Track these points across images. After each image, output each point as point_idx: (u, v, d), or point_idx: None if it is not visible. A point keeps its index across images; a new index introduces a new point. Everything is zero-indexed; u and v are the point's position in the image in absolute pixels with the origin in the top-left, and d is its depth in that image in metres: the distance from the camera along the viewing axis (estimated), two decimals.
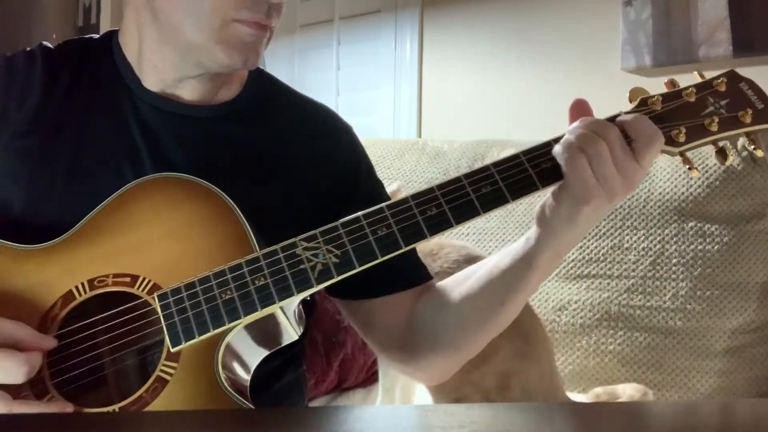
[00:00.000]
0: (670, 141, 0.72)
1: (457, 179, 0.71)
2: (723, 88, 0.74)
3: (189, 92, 0.86)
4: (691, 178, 1.35)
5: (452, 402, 1.11)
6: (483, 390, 1.12)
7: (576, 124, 0.71)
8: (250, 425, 0.54)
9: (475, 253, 1.27)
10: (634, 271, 1.37)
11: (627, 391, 1.26)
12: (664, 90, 0.75)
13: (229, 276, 0.68)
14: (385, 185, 0.97)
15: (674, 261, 1.34)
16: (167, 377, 0.66)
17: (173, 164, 0.83)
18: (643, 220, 1.38)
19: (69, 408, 0.66)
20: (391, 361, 0.92)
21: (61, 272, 0.72)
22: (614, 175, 0.67)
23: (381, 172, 1.50)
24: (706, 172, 1.34)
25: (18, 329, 0.66)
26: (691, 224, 1.34)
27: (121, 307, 0.71)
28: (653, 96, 0.74)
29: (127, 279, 0.71)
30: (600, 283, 1.39)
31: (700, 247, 1.32)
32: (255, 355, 0.73)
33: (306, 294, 0.68)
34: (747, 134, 0.73)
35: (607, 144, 0.68)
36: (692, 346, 1.31)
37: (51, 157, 0.82)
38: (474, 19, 1.99)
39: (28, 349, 0.66)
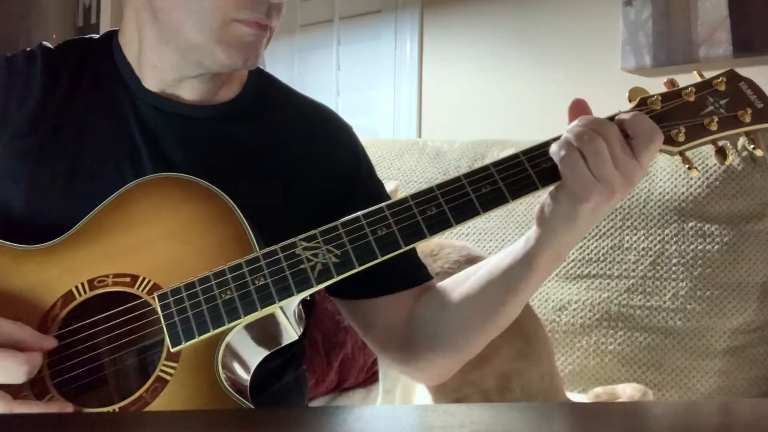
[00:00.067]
0: (670, 140, 0.72)
1: (457, 179, 0.71)
2: (722, 88, 0.74)
3: (189, 92, 0.86)
4: (691, 178, 1.35)
5: (452, 402, 1.11)
6: (483, 390, 1.12)
7: (574, 122, 0.71)
8: (250, 425, 0.54)
9: (476, 254, 1.27)
10: (634, 271, 1.37)
11: (627, 391, 1.26)
12: (663, 90, 0.75)
13: (229, 276, 0.68)
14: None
15: (674, 261, 1.34)
16: (167, 377, 0.66)
17: (173, 164, 0.83)
18: (643, 220, 1.38)
19: (69, 408, 0.66)
20: (390, 361, 0.92)
21: (61, 272, 0.72)
22: (613, 172, 0.67)
23: (381, 172, 1.50)
24: (706, 172, 1.34)
25: (18, 329, 0.66)
26: (691, 224, 1.34)
27: (121, 307, 0.71)
28: (653, 96, 0.74)
29: (127, 279, 0.71)
30: (600, 283, 1.39)
31: (700, 247, 1.32)
32: (255, 355, 0.73)
33: (306, 294, 0.68)
34: (747, 134, 0.73)
35: (605, 141, 0.67)
36: (692, 346, 1.31)
37: (51, 157, 0.82)
38: (474, 19, 1.99)
39: (28, 349, 0.66)
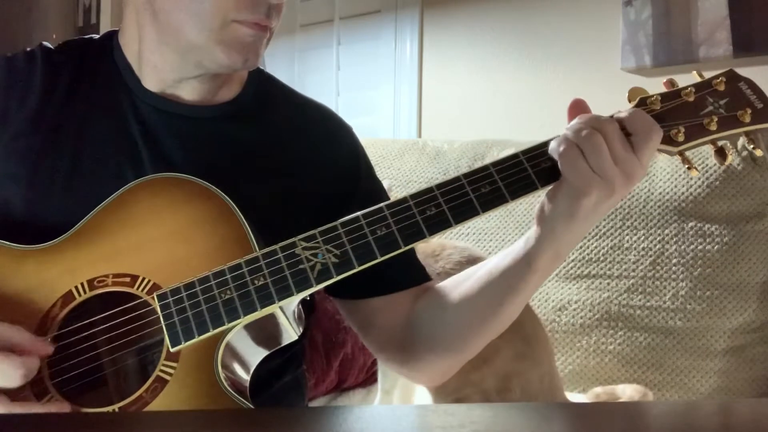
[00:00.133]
0: (669, 140, 0.72)
1: (456, 179, 0.71)
2: (722, 88, 0.74)
3: (189, 92, 0.86)
4: (691, 178, 1.35)
5: (452, 403, 1.11)
6: (483, 391, 1.12)
7: (574, 120, 0.71)
8: (250, 425, 0.54)
9: (478, 255, 1.27)
10: (634, 271, 1.37)
11: (627, 392, 1.26)
12: (663, 90, 0.75)
13: (229, 276, 0.68)
14: None
15: (674, 261, 1.34)
16: (167, 377, 0.67)
17: (173, 164, 0.83)
18: (643, 220, 1.38)
19: (66, 408, 0.66)
20: (388, 362, 0.92)
21: (61, 272, 0.72)
22: (612, 167, 0.67)
23: (381, 172, 1.50)
24: (706, 172, 1.34)
25: (15, 333, 0.66)
26: (691, 224, 1.34)
27: (121, 307, 0.71)
28: (652, 96, 0.74)
29: (127, 279, 0.71)
30: (600, 283, 1.39)
31: (700, 247, 1.32)
32: (255, 354, 0.73)
33: (305, 294, 0.68)
34: (746, 134, 0.73)
35: (604, 136, 0.67)
36: (692, 346, 1.31)
37: (51, 158, 0.82)
38: (474, 20, 1.99)
39: (25, 352, 0.65)
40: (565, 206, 0.70)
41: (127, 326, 0.71)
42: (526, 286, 0.76)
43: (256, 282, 0.68)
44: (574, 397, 1.32)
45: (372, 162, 0.97)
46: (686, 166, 0.73)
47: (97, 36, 0.92)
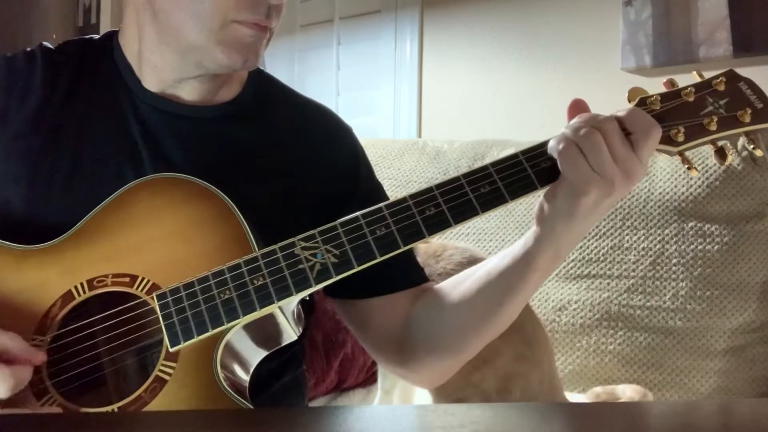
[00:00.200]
0: (669, 140, 0.72)
1: (456, 179, 0.71)
2: (722, 88, 0.74)
3: (189, 92, 0.86)
4: (691, 178, 1.35)
5: (452, 403, 1.11)
6: (483, 391, 1.12)
7: (573, 120, 0.71)
8: (250, 425, 0.54)
9: (479, 255, 1.27)
10: (634, 271, 1.37)
11: (627, 393, 1.26)
12: (663, 90, 0.74)
13: (228, 276, 0.68)
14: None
15: (674, 261, 1.34)
16: (166, 377, 0.66)
17: (173, 164, 0.83)
18: (643, 220, 1.38)
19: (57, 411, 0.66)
20: (386, 363, 0.91)
21: (60, 272, 0.72)
22: (612, 165, 0.67)
23: (381, 172, 1.50)
24: (706, 172, 1.34)
25: (8, 341, 0.66)
26: (691, 224, 1.34)
27: (120, 307, 0.71)
28: (652, 96, 0.74)
29: (127, 279, 0.71)
30: (600, 283, 1.39)
31: (700, 247, 1.32)
32: (254, 355, 0.73)
33: (305, 294, 0.68)
34: (746, 134, 0.73)
35: (604, 135, 0.67)
36: (692, 346, 1.31)
37: (51, 158, 0.82)
38: (474, 20, 1.99)
39: (16, 362, 0.65)
40: (565, 205, 0.70)
41: (126, 326, 0.71)
42: (526, 286, 0.76)
43: (255, 282, 0.68)
44: (574, 397, 1.32)
45: (372, 162, 0.96)
46: (686, 166, 0.73)
47: (97, 36, 0.92)
